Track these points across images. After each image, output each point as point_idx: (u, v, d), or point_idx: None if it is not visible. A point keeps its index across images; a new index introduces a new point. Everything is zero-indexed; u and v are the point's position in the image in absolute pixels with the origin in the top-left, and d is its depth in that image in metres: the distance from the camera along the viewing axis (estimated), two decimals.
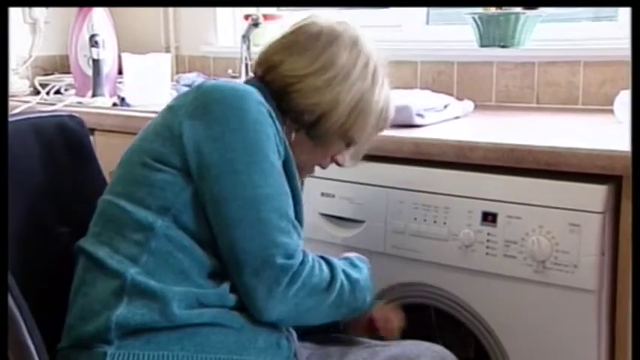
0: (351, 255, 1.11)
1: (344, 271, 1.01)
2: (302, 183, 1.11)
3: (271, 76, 1.05)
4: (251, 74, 1.11)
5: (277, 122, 1.00)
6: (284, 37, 1.08)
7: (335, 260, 1.01)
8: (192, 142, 0.94)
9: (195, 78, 2.17)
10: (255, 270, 0.91)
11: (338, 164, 1.16)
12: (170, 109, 1.01)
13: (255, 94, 0.98)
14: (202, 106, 0.96)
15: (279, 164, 0.97)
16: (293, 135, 1.05)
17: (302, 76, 1.02)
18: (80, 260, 0.99)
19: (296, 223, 0.97)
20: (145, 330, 0.89)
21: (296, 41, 1.06)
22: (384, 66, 1.10)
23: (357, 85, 1.04)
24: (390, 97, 1.12)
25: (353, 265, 1.06)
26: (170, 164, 0.95)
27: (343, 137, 1.07)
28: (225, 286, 0.94)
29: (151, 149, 0.97)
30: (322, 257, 1.00)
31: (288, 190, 0.97)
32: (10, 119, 1.06)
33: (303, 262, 0.93)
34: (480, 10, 1.76)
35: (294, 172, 1.02)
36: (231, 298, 0.94)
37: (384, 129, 1.14)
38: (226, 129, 0.94)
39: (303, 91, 1.02)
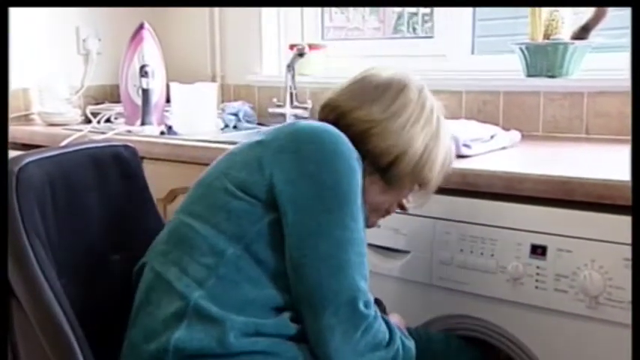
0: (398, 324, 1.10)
1: (400, 336, 1.02)
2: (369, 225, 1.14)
3: (346, 121, 1.08)
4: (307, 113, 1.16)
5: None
6: (352, 85, 1.14)
7: (390, 321, 1.03)
8: (285, 176, 0.97)
9: (240, 107, 2.21)
10: (337, 309, 0.92)
11: (402, 208, 1.20)
12: (260, 143, 1.04)
13: (347, 141, 1.02)
14: (297, 144, 1.00)
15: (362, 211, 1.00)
16: (367, 178, 1.07)
17: (379, 121, 1.07)
18: (146, 277, 1.01)
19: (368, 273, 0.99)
20: (200, 356, 0.90)
21: (366, 89, 1.11)
22: (443, 114, 1.17)
23: (425, 129, 1.10)
24: (450, 143, 1.18)
25: (404, 334, 1.07)
26: (253, 194, 0.97)
27: (416, 178, 1.11)
28: (286, 315, 0.95)
29: (236, 178, 1.00)
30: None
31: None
32: (69, 149, 1.10)
33: (376, 316, 0.96)
34: (526, 39, 1.75)
35: (364, 220, 1.04)
36: (292, 328, 0.94)
37: (448, 171, 1.18)
38: (323, 168, 0.97)
39: (380, 135, 1.07)
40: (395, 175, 1.09)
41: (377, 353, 0.97)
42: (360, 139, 1.06)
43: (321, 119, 1.11)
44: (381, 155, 1.07)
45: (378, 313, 0.98)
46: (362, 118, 1.07)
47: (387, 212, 1.19)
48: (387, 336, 0.99)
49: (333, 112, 1.11)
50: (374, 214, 1.15)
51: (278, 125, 1.09)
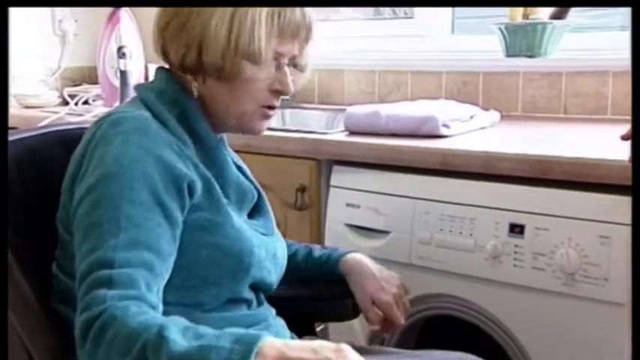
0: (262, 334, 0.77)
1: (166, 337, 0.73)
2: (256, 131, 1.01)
3: (164, 50, 0.99)
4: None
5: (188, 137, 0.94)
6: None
7: (168, 322, 0.75)
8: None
9: None
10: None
11: (285, 93, 1.01)
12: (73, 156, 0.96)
13: (138, 134, 0.89)
14: (92, 151, 0.90)
15: (151, 199, 0.85)
16: (195, 88, 0.97)
17: (165, 25, 0.97)
18: None
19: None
20: None
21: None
22: None
23: (216, 13, 0.94)
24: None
25: (199, 335, 0.75)
26: (69, 231, 0.90)
27: (243, 56, 0.94)
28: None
29: (61, 212, 0.94)
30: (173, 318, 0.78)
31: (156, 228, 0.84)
32: (38, 131, 1.06)
33: (99, 315, 0.76)
34: (506, 20, 1.75)
35: (218, 197, 0.94)
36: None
37: (287, 27, 0.99)
38: (94, 189, 0.86)
39: (173, 37, 0.96)
40: (217, 68, 0.94)
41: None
42: (169, 56, 0.97)
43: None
44: (185, 56, 0.95)
45: (120, 308, 0.76)
46: (157, 36, 0.98)
47: (269, 107, 1.00)
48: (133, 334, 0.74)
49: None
50: (246, 117, 0.99)
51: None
